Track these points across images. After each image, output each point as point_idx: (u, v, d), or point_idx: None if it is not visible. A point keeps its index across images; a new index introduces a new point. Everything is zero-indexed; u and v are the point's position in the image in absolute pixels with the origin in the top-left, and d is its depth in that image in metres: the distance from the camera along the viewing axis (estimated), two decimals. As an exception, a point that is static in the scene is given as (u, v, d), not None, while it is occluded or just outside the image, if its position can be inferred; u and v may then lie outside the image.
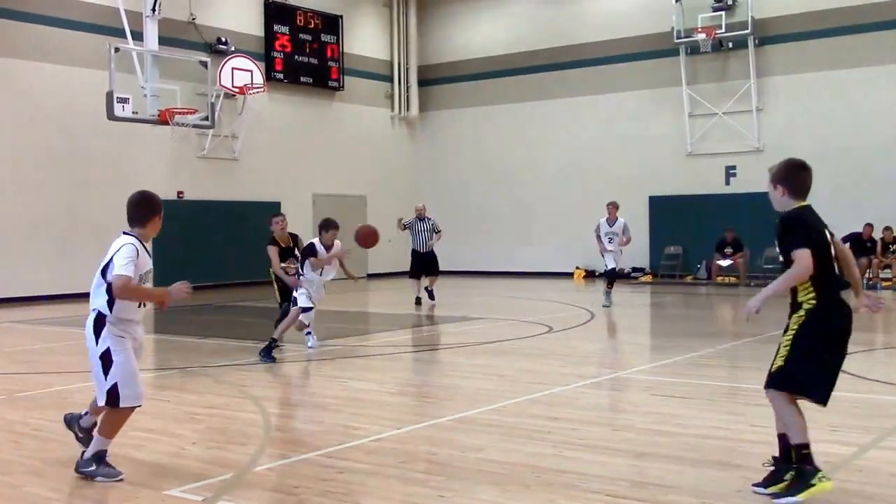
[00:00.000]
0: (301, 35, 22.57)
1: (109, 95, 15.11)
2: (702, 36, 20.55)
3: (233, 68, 19.62)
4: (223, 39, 20.56)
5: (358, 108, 24.17)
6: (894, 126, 18.86)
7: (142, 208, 5.16)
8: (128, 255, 4.93)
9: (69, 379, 8.44)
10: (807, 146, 20.02)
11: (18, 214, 17.34)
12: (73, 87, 17.86)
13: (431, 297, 15.69)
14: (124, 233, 5.13)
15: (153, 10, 16.01)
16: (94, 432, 5.10)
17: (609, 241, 14.95)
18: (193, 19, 20.13)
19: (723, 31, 20.46)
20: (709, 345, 9.99)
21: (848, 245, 18.78)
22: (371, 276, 24.00)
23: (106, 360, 4.97)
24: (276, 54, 21.96)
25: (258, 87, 20.07)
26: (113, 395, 4.95)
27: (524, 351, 9.97)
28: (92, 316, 5.05)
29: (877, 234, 18.55)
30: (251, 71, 19.96)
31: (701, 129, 21.37)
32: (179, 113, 16.36)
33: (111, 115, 15.24)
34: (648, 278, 21.53)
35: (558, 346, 10.80)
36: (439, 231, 16.19)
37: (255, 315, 15.41)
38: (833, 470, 4.89)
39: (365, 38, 24.62)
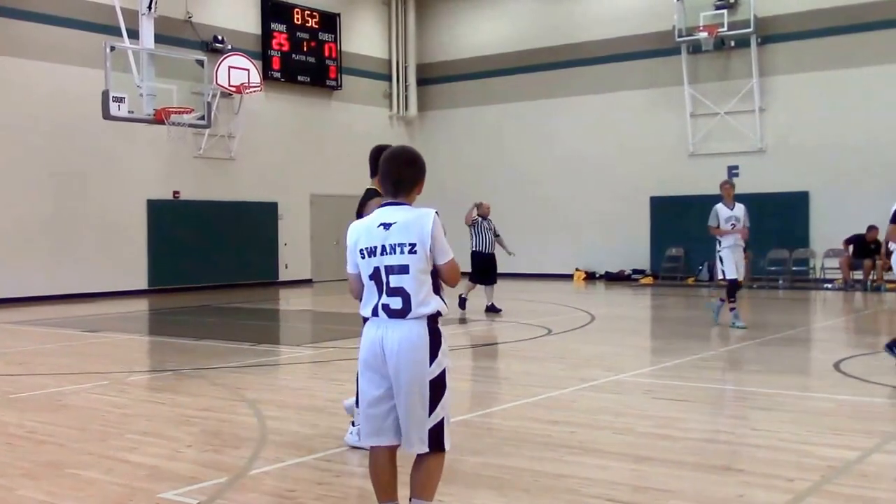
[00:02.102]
0: (298, 33, 22.50)
1: (105, 94, 15.04)
2: (704, 34, 20.48)
3: (229, 67, 19.52)
4: (220, 38, 20.48)
5: (356, 107, 24.09)
6: (897, 126, 18.77)
7: (421, 170, 3.82)
8: (443, 230, 3.70)
9: (63, 381, 8.36)
10: (810, 146, 19.99)
11: (11, 214, 17.25)
12: (69, 86, 17.77)
13: (495, 309, 14.11)
14: (402, 203, 3.75)
15: (149, 8, 15.96)
16: (413, 499, 3.72)
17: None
18: (190, 17, 20.05)
19: (725, 29, 20.39)
20: (710, 347, 9.92)
21: (851, 247, 18.17)
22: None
23: (439, 386, 3.63)
24: (273, 53, 21.90)
25: (255, 87, 19.99)
26: (438, 434, 3.65)
27: (523, 353, 9.89)
28: (420, 324, 3.63)
29: (881, 236, 18.45)
30: (248, 70, 19.86)
31: (703, 129, 21.30)
32: (175, 112, 16.29)
33: (107, 115, 15.17)
34: (649, 280, 21.45)
35: (558, 349, 10.72)
36: (498, 235, 14.76)
37: (251, 317, 15.34)
38: (836, 475, 4.82)
39: (363, 37, 24.55)
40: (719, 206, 11.92)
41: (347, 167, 23.63)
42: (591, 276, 22.58)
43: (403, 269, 3.61)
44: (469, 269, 14.29)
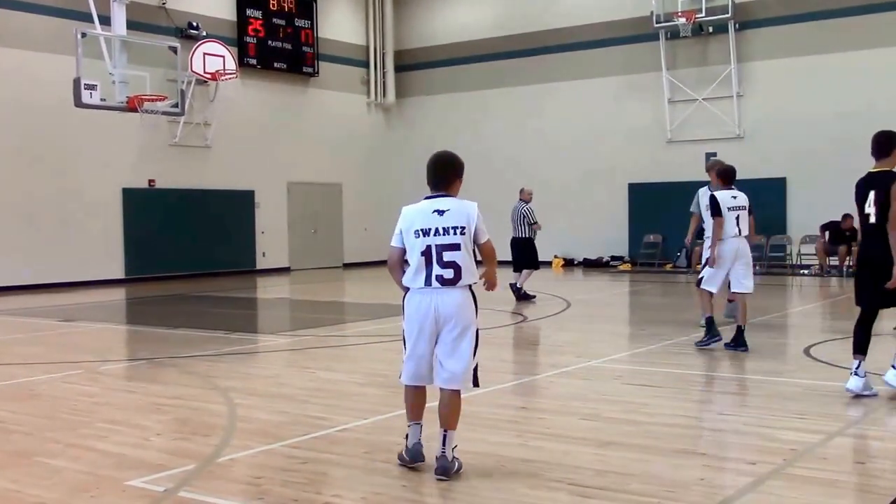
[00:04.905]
0: (274, 19, 22.34)
1: (76, 82, 14.87)
2: (682, 20, 20.50)
3: (204, 54, 19.36)
4: (194, 24, 20.30)
5: (333, 94, 23.98)
6: (875, 112, 18.77)
7: (454, 169, 4.79)
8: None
9: (35, 370, 8.31)
10: (787, 132, 20.09)
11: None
12: (40, 74, 17.54)
13: (528, 296, 14.00)
14: (447, 195, 4.67)
15: (121, -7, 15.78)
16: (446, 430, 4.61)
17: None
18: (164, 3, 19.85)
19: (703, 15, 20.42)
20: (683, 333, 9.96)
21: (827, 234, 17.86)
22: (347, 266, 23.88)
23: (477, 337, 4.66)
24: (248, 39, 21.73)
25: (230, 73, 19.84)
26: (476, 375, 4.70)
27: (497, 340, 9.92)
28: (464, 291, 4.59)
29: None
30: (223, 56, 19.71)
31: (681, 115, 21.35)
32: (148, 100, 16.13)
33: (78, 103, 15.01)
34: (627, 267, 21.55)
35: (532, 336, 10.79)
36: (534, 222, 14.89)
37: (228, 305, 15.28)
38: (797, 458, 4.88)
39: (340, 23, 24.41)
40: (702, 191, 10.32)
41: (325, 155, 23.58)
42: (569, 263, 22.65)
43: (455, 247, 4.52)
44: (510, 258, 14.34)
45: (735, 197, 8.66)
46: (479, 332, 4.70)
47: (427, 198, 4.67)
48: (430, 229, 4.53)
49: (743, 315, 8.62)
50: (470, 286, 4.62)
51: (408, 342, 4.74)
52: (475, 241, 4.61)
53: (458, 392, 4.67)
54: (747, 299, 8.74)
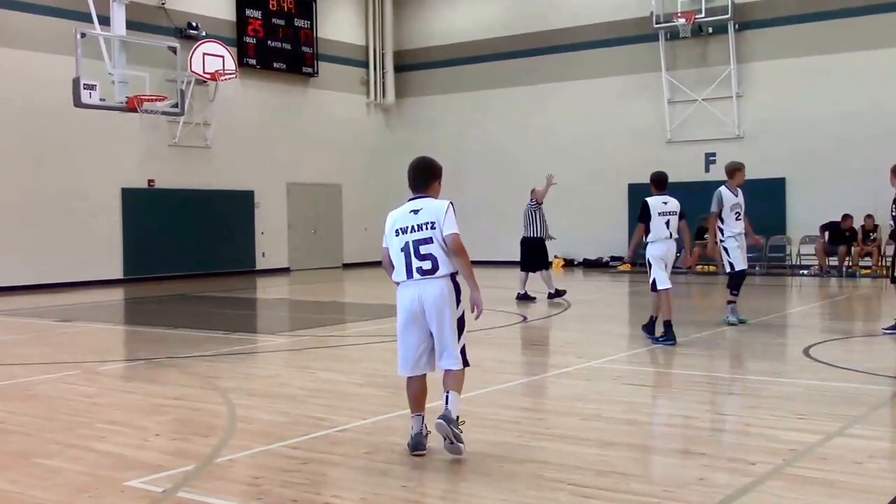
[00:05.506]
0: (274, 19, 22.34)
1: (76, 82, 14.87)
2: (681, 20, 20.51)
3: (204, 54, 19.36)
4: (194, 24, 20.30)
5: (333, 94, 23.97)
6: (875, 113, 18.85)
7: (432, 173, 5.21)
8: (455, 215, 5.05)
9: (34, 370, 8.31)
10: (786, 133, 20.09)
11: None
12: (40, 74, 17.54)
13: (526, 296, 13.97)
14: (425, 196, 5.11)
15: (121, -7, 15.77)
16: (450, 393, 4.98)
17: (737, 219, 10.53)
18: (163, 3, 19.85)
19: (703, 15, 20.42)
20: (682, 333, 9.95)
21: (826, 234, 18.20)
22: (347, 266, 23.87)
23: (462, 321, 5.06)
24: (248, 39, 21.73)
25: (230, 74, 19.83)
26: (464, 354, 5.10)
27: (497, 341, 9.91)
28: (445, 281, 4.99)
29: (856, 223, 18.57)
30: (223, 56, 19.71)
31: (680, 116, 21.35)
32: (148, 100, 16.12)
33: (78, 103, 15.01)
34: (627, 267, 21.52)
35: (532, 336, 10.78)
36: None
37: (227, 306, 15.28)
38: (797, 458, 4.87)
39: (339, 23, 24.40)
40: (724, 191, 10.56)
41: (324, 155, 23.58)
42: (569, 263, 22.64)
43: (428, 241, 4.96)
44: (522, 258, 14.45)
45: (666, 202, 9.39)
46: (464, 317, 5.07)
47: (409, 200, 5.12)
48: (407, 227, 5.02)
49: (668, 307, 9.16)
50: (452, 275, 5.01)
51: (398, 332, 5.14)
52: (441, 233, 4.95)
53: (463, 367, 5.08)
54: (670, 294, 9.25)
